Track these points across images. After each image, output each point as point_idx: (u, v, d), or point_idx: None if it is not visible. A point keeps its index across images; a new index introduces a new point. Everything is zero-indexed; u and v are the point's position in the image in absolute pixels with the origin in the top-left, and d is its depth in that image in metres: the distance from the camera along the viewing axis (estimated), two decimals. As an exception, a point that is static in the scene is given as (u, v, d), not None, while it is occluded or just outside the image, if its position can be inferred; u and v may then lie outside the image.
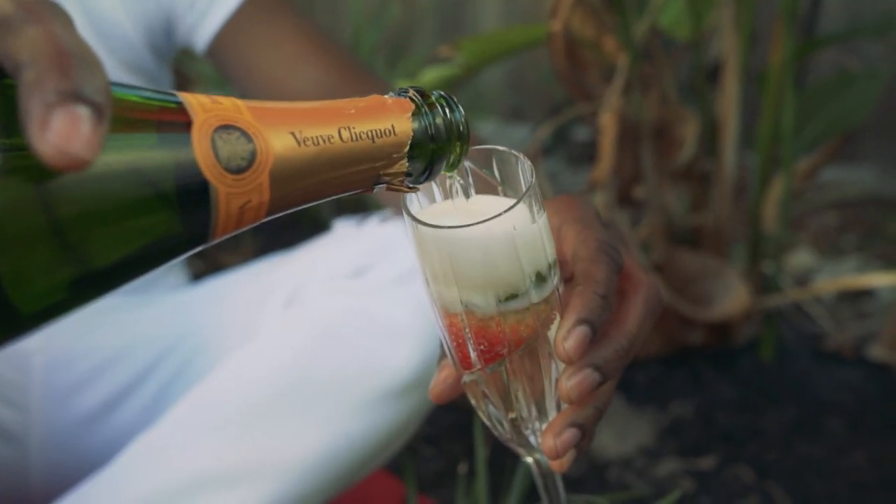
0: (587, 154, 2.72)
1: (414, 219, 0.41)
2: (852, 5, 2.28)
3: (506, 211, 0.39)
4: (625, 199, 1.23)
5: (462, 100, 0.42)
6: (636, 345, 0.44)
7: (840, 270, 1.70)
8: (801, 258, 1.76)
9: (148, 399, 0.83)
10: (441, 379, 0.46)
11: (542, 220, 0.42)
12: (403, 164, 0.37)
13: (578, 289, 0.42)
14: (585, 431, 0.43)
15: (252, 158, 0.32)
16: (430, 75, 1.19)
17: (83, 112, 0.27)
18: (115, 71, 0.81)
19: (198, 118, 0.32)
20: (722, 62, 1.22)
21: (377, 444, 0.70)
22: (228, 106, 0.33)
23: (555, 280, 0.43)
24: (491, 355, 0.43)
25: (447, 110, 0.38)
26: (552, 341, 0.42)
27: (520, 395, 0.44)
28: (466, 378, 0.44)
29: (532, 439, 0.45)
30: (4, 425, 0.81)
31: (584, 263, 0.43)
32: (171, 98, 0.33)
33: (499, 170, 0.44)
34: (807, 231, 1.91)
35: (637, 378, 1.23)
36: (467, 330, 0.42)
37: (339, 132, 0.35)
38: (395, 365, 0.69)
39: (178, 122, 0.32)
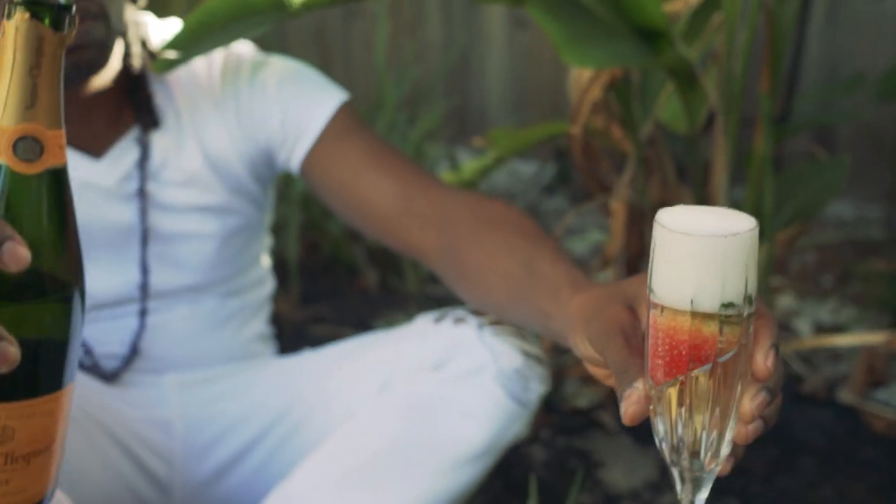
0: (590, 192, 2.93)
1: (672, 230, 0.51)
2: (829, 60, 2.51)
3: (755, 227, 0.51)
4: (632, 270, 1.45)
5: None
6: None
7: (818, 313, 1.93)
8: (783, 300, 1.98)
9: (264, 457, 1.05)
10: (633, 400, 0.56)
11: None
12: None
13: (762, 321, 0.54)
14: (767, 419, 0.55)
15: None
16: (469, 167, 1.42)
17: None
18: (224, 195, 1.02)
19: None
20: (713, 160, 1.44)
21: (456, 500, 0.92)
22: None
23: (755, 308, 0.53)
24: (699, 360, 0.51)
25: None
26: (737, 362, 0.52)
27: (706, 407, 0.53)
28: (665, 387, 0.52)
29: (700, 459, 0.54)
30: (157, 476, 1.03)
31: (764, 309, 0.56)
32: None
33: None
34: (788, 271, 2.14)
35: (643, 422, 1.45)
36: (685, 333, 0.51)
37: None
38: (469, 438, 0.91)
39: None
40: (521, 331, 0.95)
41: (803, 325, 1.86)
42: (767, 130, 1.37)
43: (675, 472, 0.56)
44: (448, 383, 0.92)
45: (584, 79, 1.36)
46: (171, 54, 0.92)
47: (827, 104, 2.33)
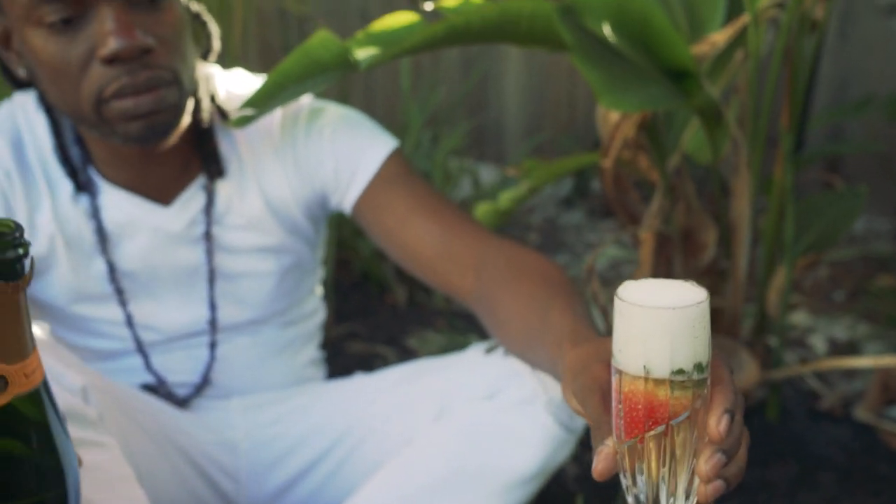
0: (609, 208, 2.99)
1: (627, 302, 0.55)
2: (840, 78, 2.58)
3: (704, 300, 0.56)
4: (660, 296, 1.53)
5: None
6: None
7: (832, 330, 2.01)
8: (797, 318, 2.06)
9: (324, 477, 1.13)
10: (602, 457, 0.60)
11: None
12: None
13: (718, 387, 0.58)
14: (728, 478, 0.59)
15: None
16: (505, 196, 1.49)
17: None
18: (280, 234, 1.10)
19: None
20: (735, 189, 1.52)
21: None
22: None
23: (707, 375, 0.56)
24: (654, 421, 0.56)
25: None
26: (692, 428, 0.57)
27: (666, 465, 0.57)
28: (625, 445, 0.56)
29: None
30: (226, 493, 1.11)
31: (715, 369, 0.59)
32: None
33: None
34: (801, 288, 2.21)
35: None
36: (640, 396, 0.55)
37: None
38: (522, 463, 0.98)
39: None
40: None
41: (818, 342, 1.94)
42: (788, 164, 1.45)
43: None
44: (501, 412, 1.00)
45: (613, 114, 1.44)
46: (248, 111, 1.00)
47: (837, 123, 2.41)
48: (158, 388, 1.11)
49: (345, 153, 1.07)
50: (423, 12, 1.21)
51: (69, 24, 0.89)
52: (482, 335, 2.02)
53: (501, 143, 3.47)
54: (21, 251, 0.54)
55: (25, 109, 1.05)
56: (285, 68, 1.00)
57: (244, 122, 1.01)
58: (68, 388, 0.85)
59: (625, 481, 0.60)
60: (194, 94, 1.02)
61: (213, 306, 1.10)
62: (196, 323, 1.11)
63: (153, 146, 0.99)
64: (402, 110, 2.50)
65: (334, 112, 1.10)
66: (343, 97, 2.37)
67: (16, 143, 1.03)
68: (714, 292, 1.61)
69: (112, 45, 0.88)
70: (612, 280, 2.38)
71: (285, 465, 1.13)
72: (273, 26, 4.15)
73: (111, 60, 0.89)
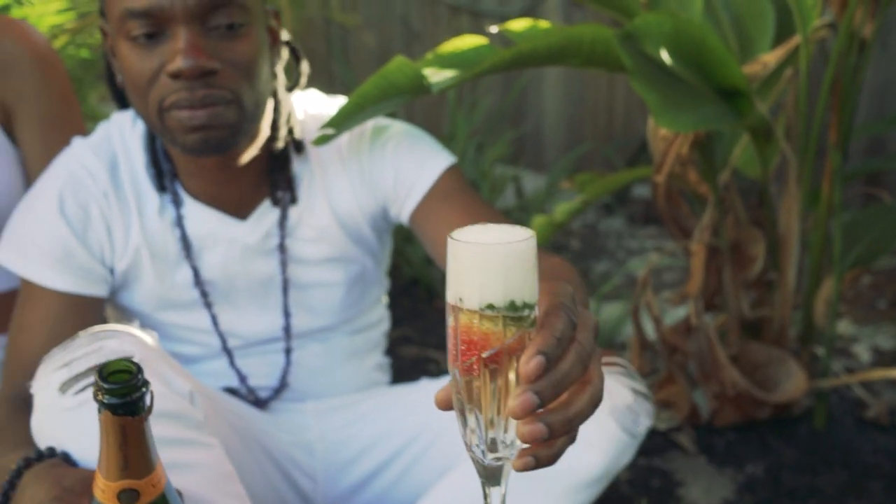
0: (649, 214, 3.03)
1: (452, 238, 0.57)
2: (881, 87, 2.60)
3: (529, 238, 0.56)
4: (710, 306, 1.58)
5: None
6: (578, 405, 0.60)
7: (876, 339, 2.03)
8: (841, 327, 2.09)
9: (395, 476, 1.19)
10: (445, 389, 0.62)
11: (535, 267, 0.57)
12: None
13: (541, 331, 0.57)
14: (553, 428, 0.58)
15: None
16: (560, 209, 1.55)
17: None
18: (348, 246, 1.16)
19: None
20: (784, 203, 1.56)
21: (575, 520, 1.05)
22: None
23: (526, 315, 0.57)
24: (470, 354, 0.57)
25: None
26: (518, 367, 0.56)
27: (484, 400, 0.58)
28: (454, 374, 0.58)
29: (479, 450, 0.60)
30: (304, 490, 1.18)
31: (548, 316, 0.59)
32: None
33: None
34: (844, 297, 2.23)
35: (717, 443, 1.58)
36: (459, 327, 0.57)
37: None
38: (588, 466, 1.04)
39: None
40: (629, 370, 1.08)
41: (862, 351, 1.97)
42: (837, 179, 1.49)
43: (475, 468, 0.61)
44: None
45: (665, 131, 1.49)
46: (328, 130, 1.07)
47: (877, 134, 2.43)
48: (241, 390, 1.18)
49: (405, 167, 1.13)
50: (488, 34, 1.27)
51: (151, 38, 0.97)
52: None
53: (541, 151, 3.52)
54: (144, 389, 0.63)
55: (121, 129, 1.12)
56: (365, 91, 1.07)
57: (324, 140, 1.08)
58: (177, 391, 0.92)
59: (467, 422, 0.60)
60: (276, 115, 1.09)
61: (286, 314, 1.17)
62: (272, 329, 1.18)
63: (231, 159, 1.06)
64: (449, 120, 2.56)
65: (397, 128, 1.16)
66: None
67: (112, 166, 1.11)
68: (762, 303, 1.65)
69: (179, 62, 0.95)
70: (654, 287, 2.42)
71: (358, 465, 1.19)
72: (318, 35, 4.24)
73: (176, 76, 0.97)
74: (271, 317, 1.17)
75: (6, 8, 1.60)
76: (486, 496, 0.63)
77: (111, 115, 1.17)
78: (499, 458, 0.61)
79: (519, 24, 1.24)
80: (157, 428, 0.87)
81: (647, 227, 2.99)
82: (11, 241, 1.08)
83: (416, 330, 2.10)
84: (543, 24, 1.28)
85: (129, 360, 0.64)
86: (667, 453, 1.56)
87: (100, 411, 0.62)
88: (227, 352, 1.17)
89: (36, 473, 0.81)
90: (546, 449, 0.60)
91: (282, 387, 1.19)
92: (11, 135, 1.22)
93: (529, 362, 0.56)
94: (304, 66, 1.14)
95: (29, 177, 1.22)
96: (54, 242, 1.06)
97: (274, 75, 1.09)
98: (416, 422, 1.19)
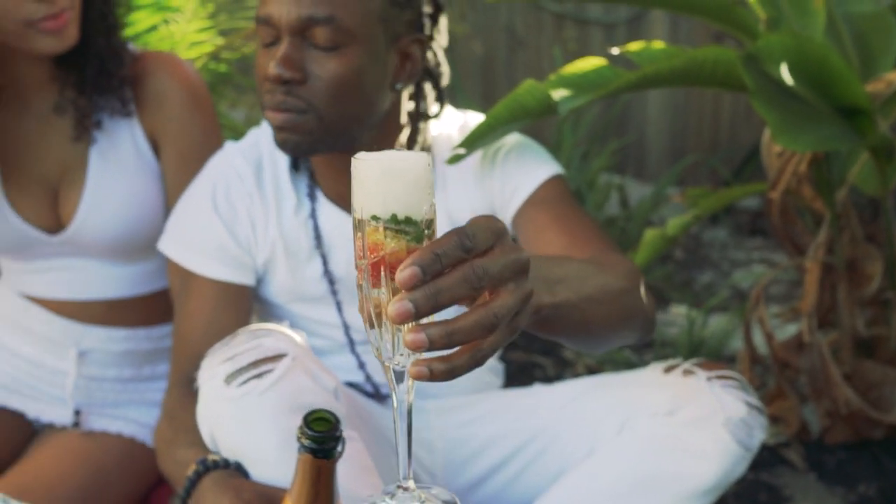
0: (755, 225, 2.99)
1: (355, 158, 0.63)
2: None
3: (411, 158, 0.62)
4: (824, 323, 1.58)
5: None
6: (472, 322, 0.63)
7: None
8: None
9: (511, 476, 1.25)
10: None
11: (433, 191, 0.63)
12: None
13: (429, 247, 0.62)
14: (445, 335, 0.62)
15: None
16: (672, 223, 1.58)
17: None
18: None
19: None
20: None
21: (688, 527, 1.09)
22: None
23: (409, 231, 0.62)
24: (361, 259, 0.63)
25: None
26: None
27: (366, 305, 0.64)
28: (362, 285, 0.64)
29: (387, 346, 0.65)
30: (423, 485, 1.25)
31: (441, 236, 0.63)
32: None
33: None
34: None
35: (828, 461, 1.58)
36: (356, 235, 0.63)
37: None
38: (701, 476, 1.07)
39: None
40: (743, 384, 1.11)
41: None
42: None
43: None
44: (682, 427, 1.09)
45: (781, 147, 1.50)
46: (460, 150, 1.14)
47: None
48: (366, 386, 1.26)
49: (511, 173, 1.18)
50: (609, 56, 1.32)
51: (270, 46, 1.09)
52: (635, 348, 2.10)
53: (645, 159, 3.51)
54: (340, 437, 0.72)
55: (269, 134, 1.23)
56: (497, 113, 1.13)
57: (456, 160, 1.15)
58: (324, 386, 1.01)
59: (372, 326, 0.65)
60: (411, 134, 1.16)
61: None
62: None
63: (293, 156, 1.15)
64: (555, 130, 2.60)
65: (511, 139, 1.22)
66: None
67: (257, 168, 1.22)
68: (878, 322, 1.64)
69: (271, 69, 1.06)
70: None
71: (476, 463, 1.26)
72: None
73: (268, 80, 1.08)
74: None
75: (152, 28, 1.74)
76: (393, 395, 0.68)
77: (238, 120, 1.28)
78: (399, 364, 0.66)
79: (639, 46, 1.29)
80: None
81: (754, 238, 2.96)
82: (173, 235, 1.20)
83: (522, 335, 2.16)
84: (659, 44, 1.32)
85: (329, 411, 0.72)
86: (775, 468, 1.57)
87: (300, 452, 0.72)
88: (352, 346, 1.25)
89: (214, 481, 0.90)
90: (440, 364, 0.64)
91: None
92: (157, 157, 1.34)
93: (403, 271, 0.60)
94: (438, 93, 1.20)
95: (167, 202, 1.34)
96: (210, 236, 1.17)
97: (392, 95, 1.13)
98: (533, 424, 1.25)
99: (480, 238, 0.63)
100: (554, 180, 1.17)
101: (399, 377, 0.66)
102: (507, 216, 1.19)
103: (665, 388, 1.14)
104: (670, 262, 2.76)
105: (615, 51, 1.30)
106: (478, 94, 3.80)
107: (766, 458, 1.60)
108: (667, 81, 1.21)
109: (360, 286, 0.64)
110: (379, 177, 0.62)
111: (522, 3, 3.71)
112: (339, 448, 0.72)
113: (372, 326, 0.66)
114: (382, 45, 1.09)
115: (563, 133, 2.53)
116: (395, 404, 0.67)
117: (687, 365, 1.15)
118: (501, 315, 0.63)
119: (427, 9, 1.14)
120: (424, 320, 0.63)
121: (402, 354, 0.65)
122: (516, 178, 1.18)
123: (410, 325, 0.62)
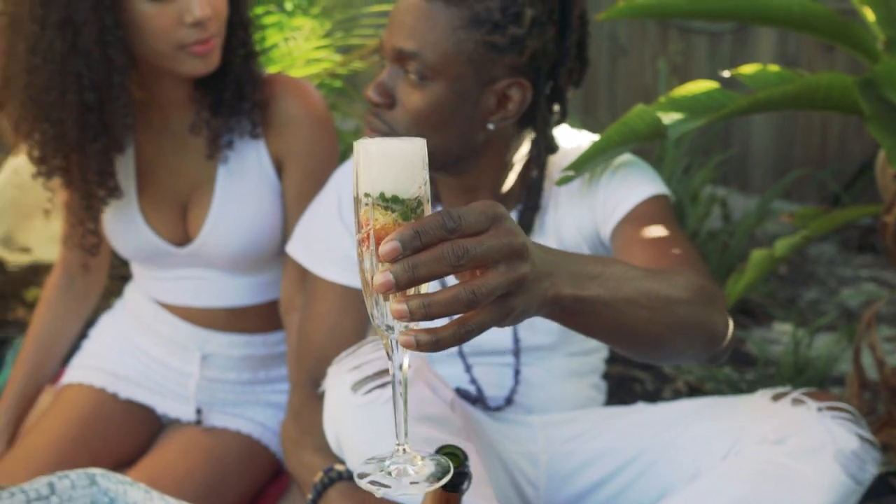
0: (864, 241, 2.89)
1: (361, 143, 0.68)
2: None
3: (403, 142, 0.67)
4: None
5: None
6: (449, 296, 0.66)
7: None
8: None
9: (612, 494, 1.27)
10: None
11: (426, 174, 0.67)
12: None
13: (410, 224, 0.66)
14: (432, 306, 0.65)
15: None
16: (781, 244, 1.56)
17: None
18: None
19: None
20: None
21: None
22: None
23: (396, 209, 0.66)
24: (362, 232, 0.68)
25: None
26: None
27: (361, 275, 0.69)
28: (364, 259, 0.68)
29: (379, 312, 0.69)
30: (528, 497, 1.28)
31: (430, 215, 0.67)
32: None
33: None
34: None
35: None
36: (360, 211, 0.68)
37: None
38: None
39: None
40: (856, 416, 1.10)
41: None
42: None
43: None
44: (790, 457, 1.09)
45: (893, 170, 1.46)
46: (570, 172, 1.17)
47: None
48: (474, 395, 1.30)
49: (614, 190, 1.20)
50: (720, 79, 1.32)
51: (383, 69, 1.15)
52: (736, 366, 2.07)
53: (748, 171, 3.44)
54: (468, 473, 0.77)
55: None
56: (608, 136, 1.15)
57: (566, 181, 1.18)
58: (443, 398, 1.06)
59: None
60: (544, 147, 1.19)
61: (515, 327, 1.27)
62: (502, 341, 1.29)
63: (448, 179, 1.19)
64: (658, 142, 2.58)
65: (620, 157, 1.24)
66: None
67: None
68: None
69: (367, 90, 1.14)
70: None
71: (579, 478, 1.28)
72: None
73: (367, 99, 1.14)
74: (499, 330, 1.28)
75: (272, 47, 1.83)
76: (390, 362, 0.71)
77: (348, 129, 1.35)
78: (391, 330, 0.70)
79: (752, 69, 1.28)
80: (423, 429, 1.02)
81: (862, 255, 2.87)
82: (301, 241, 1.28)
83: (620, 349, 2.16)
84: (774, 67, 1.31)
85: (458, 447, 0.77)
86: (884, 498, 1.54)
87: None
88: (463, 356, 1.29)
89: (341, 493, 0.96)
90: (426, 335, 0.67)
91: (511, 396, 1.30)
92: (280, 177, 1.42)
93: (385, 244, 0.65)
94: (539, 138, 1.22)
95: (286, 219, 1.42)
96: (335, 243, 1.24)
97: (486, 132, 1.16)
98: (637, 443, 1.26)
99: (469, 220, 0.67)
100: (655, 199, 1.18)
101: (396, 345, 0.71)
102: (606, 232, 1.20)
103: (774, 416, 1.13)
104: (774, 278, 2.70)
105: (726, 74, 1.30)
106: (578, 102, 3.81)
107: (874, 487, 1.56)
108: (779, 105, 1.21)
109: (358, 258, 0.69)
110: (371, 157, 0.67)
111: (625, 12, 3.68)
112: (465, 483, 0.76)
113: (367, 296, 0.70)
114: (472, 84, 1.12)
115: (666, 146, 2.51)
116: (392, 370, 0.71)
117: (796, 394, 1.14)
118: (481, 293, 0.66)
119: (545, 56, 1.14)
120: (412, 291, 0.67)
121: (390, 324, 0.69)
122: (618, 194, 1.20)
123: (397, 295, 0.67)
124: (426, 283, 0.67)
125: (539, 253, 0.72)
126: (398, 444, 0.72)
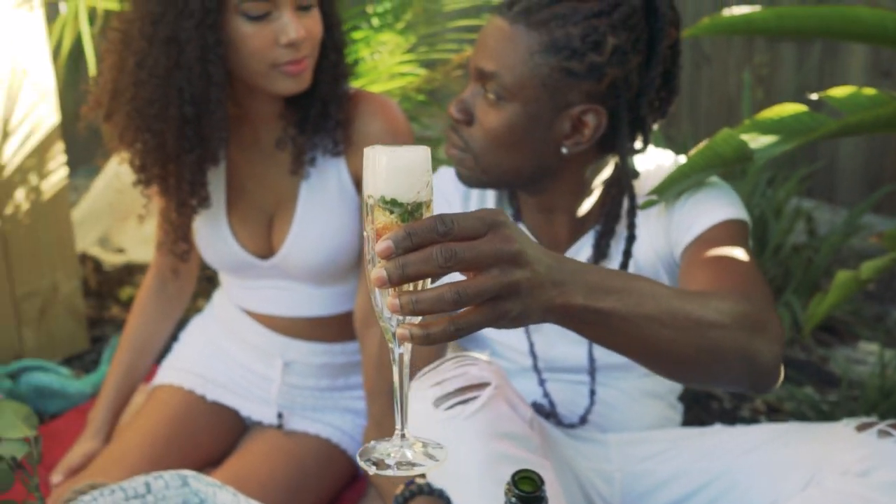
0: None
1: (370, 150, 0.73)
2: None
3: (405, 151, 0.72)
4: None
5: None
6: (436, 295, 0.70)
7: None
8: None
9: (685, 517, 1.27)
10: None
11: (426, 181, 0.72)
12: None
13: (405, 226, 0.71)
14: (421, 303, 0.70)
15: None
16: (868, 266, 1.52)
17: None
18: None
19: None
20: None
21: None
22: None
23: (395, 211, 0.71)
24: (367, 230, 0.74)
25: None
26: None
27: (367, 271, 0.74)
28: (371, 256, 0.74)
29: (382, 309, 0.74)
30: (605, 515, 1.29)
31: (424, 218, 0.72)
32: None
33: None
34: None
35: None
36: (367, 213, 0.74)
37: None
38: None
39: None
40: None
41: None
42: None
43: None
44: (875, 490, 1.06)
45: None
46: (654, 196, 1.17)
47: None
48: (548, 411, 1.31)
49: (689, 211, 1.19)
50: (808, 102, 1.29)
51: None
52: (819, 386, 2.03)
53: (835, 183, 3.35)
54: (543, 498, 0.78)
55: None
56: (693, 160, 1.15)
57: (649, 205, 1.18)
58: (522, 416, 1.08)
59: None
60: (625, 172, 1.20)
61: (591, 346, 1.28)
62: (577, 359, 1.30)
63: (466, 186, 1.23)
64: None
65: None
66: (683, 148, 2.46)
67: (465, 196, 1.32)
68: None
69: (450, 106, 1.20)
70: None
71: (653, 499, 1.28)
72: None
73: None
74: (575, 348, 1.29)
75: (357, 62, 1.88)
76: (392, 353, 0.76)
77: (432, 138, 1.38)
78: (393, 325, 0.75)
79: (843, 92, 1.26)
80: (503, 446, 1.04)
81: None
82: None
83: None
84: (869, 91, 1.28)
85: (535, 472, 0.79)
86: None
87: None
88: (537, 371, 1.30)
89: None
90: (419, 329, 0.72)
91: (586, 415, 1.30)
92: (359, 193, 1.46)
93: (380, 243, 0.70)
94: (620, 167, 1.23)
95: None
96: None
97: (561, 156, 1.17)
98: (714, 466, 1.25)
99: (463, 224, 0.71)
100: (729, 223, 1.17)
101: (395, 336, 0.76)
102: (677, 252, 1.20)
103: (858, 446, 1.11)
104: (860, 295, 2.62)
105: (814, 96, 1.28)
106: (658, 111, 3.75)
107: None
108: (870, 129, 1.18)
109: (367, 255, 0.75)
110: (377, 164, 0.73)
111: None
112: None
113: (371, 290, 0.75)
114: (547, 108, 1.14)
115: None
116: (395, 359, 0.76)
117: (883, 425, 1.12)
118: (465, 294, 0.70)
119: (627, 85, 1.14)
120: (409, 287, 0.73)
121: (388, 316, 0.74)
122: (692, 216, 1.19)
123: (393, 290, 0.72)
124: (423, 281, 0.72)
125: (548, 261, 0.76)
126: (398, 430, 0.77)
